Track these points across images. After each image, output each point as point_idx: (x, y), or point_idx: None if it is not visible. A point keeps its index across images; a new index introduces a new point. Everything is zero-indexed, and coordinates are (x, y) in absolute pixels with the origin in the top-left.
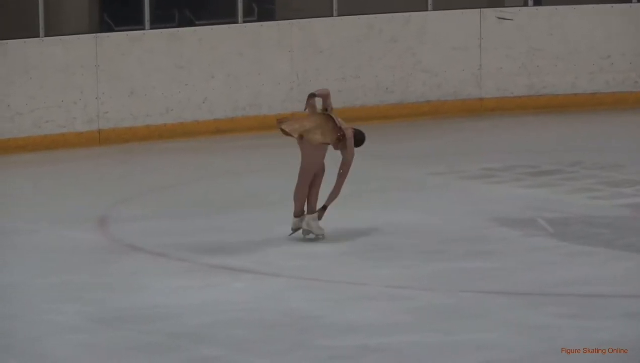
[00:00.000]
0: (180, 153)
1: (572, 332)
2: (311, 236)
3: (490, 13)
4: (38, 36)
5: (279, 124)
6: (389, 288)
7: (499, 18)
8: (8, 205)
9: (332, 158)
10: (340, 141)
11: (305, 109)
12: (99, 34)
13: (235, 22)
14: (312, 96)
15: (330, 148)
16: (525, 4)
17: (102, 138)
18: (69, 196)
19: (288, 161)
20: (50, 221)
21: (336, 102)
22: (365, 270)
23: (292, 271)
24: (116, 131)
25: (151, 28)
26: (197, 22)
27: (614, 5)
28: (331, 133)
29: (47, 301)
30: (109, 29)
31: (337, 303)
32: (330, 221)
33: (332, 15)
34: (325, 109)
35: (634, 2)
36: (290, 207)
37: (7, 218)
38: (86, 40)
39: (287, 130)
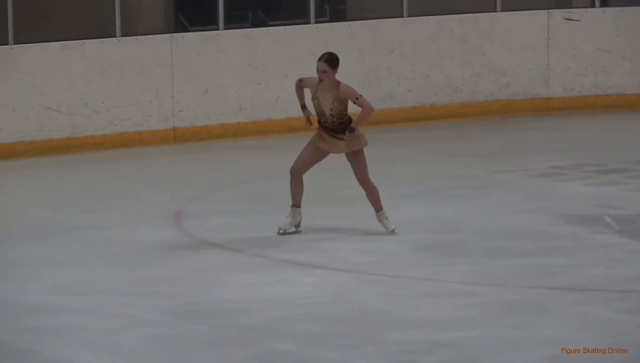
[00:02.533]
0: (254, 150)
1: (637, 327)
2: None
3: (558, 14)
4: (115, 36)
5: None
6: (457, 284)
7: (566, 19)
8: (85, 201)
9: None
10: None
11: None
12: (174, 34)
13: (308, 22)
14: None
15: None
16: (592, 5)
17: (177, 136)
18: (145, 193)
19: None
20: (127, 217)
21: (406, 102)
22: (434, 267)
23: (363, 267)
24: (191, 130)
25: (225, 28)
26: (270, 23)
27: None
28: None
29: (124, 295)
30: (184, 29)
31: (407, 299)
32: (400, 218)
33: (402, 16)
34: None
35: None
36: (361, 204)
37: (85, 214)
38: (162, 40)
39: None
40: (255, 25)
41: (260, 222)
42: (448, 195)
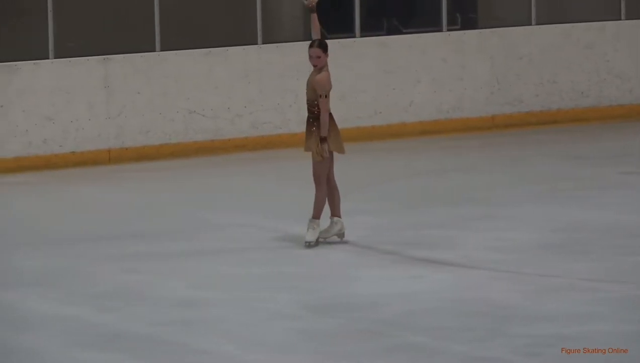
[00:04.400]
0: (388, 152)
1: None
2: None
3: None
4: (256, 43)
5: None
6: (583, 281)
7: None
8: (227, 200)
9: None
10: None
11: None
12: None
13: (440, 30)
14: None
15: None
16: None
17: None
18: (284, 192)
19: (490, 161)
20: (267, 215)
21: (533, 106)
22: (559, 264)
23: (491, 264)
24: None
25: (361, 36)
26: (404, 30)
27: None
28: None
29: (263, 290)
30: (322, 37)
31: (532, 294)
32: (528, 217)
33: (531, 24)
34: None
35: None
36: (487, 204)
37: (228, 212)
38: (301, 47)
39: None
40: (390, 32)
41: (393, 221)
42: (574, 195)
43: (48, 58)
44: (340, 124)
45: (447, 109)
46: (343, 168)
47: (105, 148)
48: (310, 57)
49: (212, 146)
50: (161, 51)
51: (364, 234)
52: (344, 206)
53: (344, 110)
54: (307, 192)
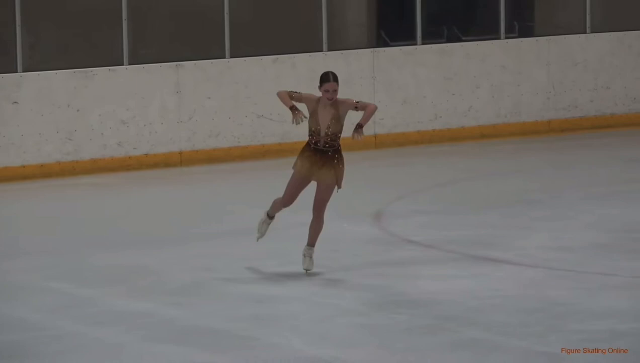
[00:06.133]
0: (448, 156)
1: None
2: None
3: None
4: (322, 50)
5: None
6: (637, 279)
7: None
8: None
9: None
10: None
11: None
12: (376, 49)
13: (499, 38)
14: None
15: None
16: None
17: (378, 142)
18: (349, 193)
19: (547, 164)
20: (332, 215)
21: (588, 111)
22: (615, 262)
23: (549, 262)
24: (390, 136)
25: (423, 43)
26: (463, 38)
27: None
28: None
29: (328, 286)
30: (385, 44)
31: (589, 292)
32: (585, 218)
33: (585, 32)
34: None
35: None
36: (546, 206)
37: (293, 213)
38: (365, 54)
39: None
40: (450, 40)
41: (454, 221)
42: (629, 197)
43: (122, 64)
44: (401, 128)
45: (505, 114)
46: (403, 170)
47: (177, 150)
48: (327, 91)
49: (279, 149)
50: (230, 58)
51: (426, 233)
52: (403, 208)
53: (405, 114)
54: (370, 194)
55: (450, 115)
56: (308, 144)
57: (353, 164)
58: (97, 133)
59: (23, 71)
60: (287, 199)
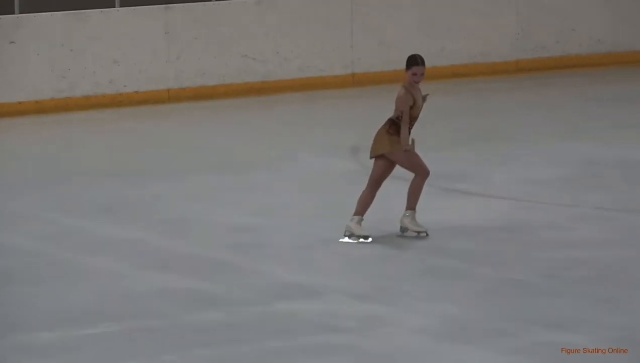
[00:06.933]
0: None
1: None
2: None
3: None
4: None
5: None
6: (599, 210)
7: None
8: (273, 137)
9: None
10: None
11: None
12: None
13: None
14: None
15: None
16: None
17: (355, 81)
18: (327, 129)
19: (515, 103)
20: (311, 149)
21: (554, 52)
22: (579, 195)
23: (515, 194)
24: (367, 75)
25: None
26: None
27: None
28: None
29: (309, 216)
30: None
31: (554, 222)
32: (551, 154)
33: None
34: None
35: None
36: (515, 141)
37: (276, 148)
38: (343, 1)
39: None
40: None
41: (426, 156)
42: (592, 134)
43: (114, 7)
44: (379, 68)
45: (476, 55)
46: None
47: (165, 88)
48: (416, 74)
49: (262, 87)
50: (216, 0)
51: (399, 168)
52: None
53: (382, 55)
54: (347, 130)
55: (424, 55)
56: (395, 124)
57: (331, 100)
58: (90, 72)
59: (20, 13)
60: (426, 168)
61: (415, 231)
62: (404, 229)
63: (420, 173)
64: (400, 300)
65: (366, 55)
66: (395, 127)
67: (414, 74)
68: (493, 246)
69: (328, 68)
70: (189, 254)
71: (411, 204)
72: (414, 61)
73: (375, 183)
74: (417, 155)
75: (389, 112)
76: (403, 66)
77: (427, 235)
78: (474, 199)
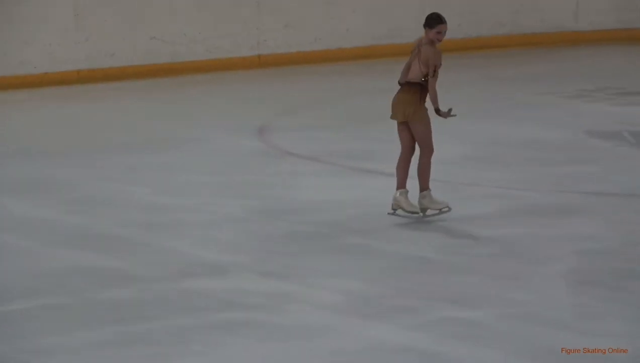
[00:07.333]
0: (328, 75)
1: None
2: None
3: None
4: None
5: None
6: (499, 189)
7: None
8: (182, 117)
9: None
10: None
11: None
12: None
13: None
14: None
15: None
16: None
17: (262, 62)
18: (235, 110)
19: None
20: (220, 130)
21: (456, 34)
22: (482, 173)
23: None
24: (273, 56)
25: None
26: None
27: None
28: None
29: (218, 196)
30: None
31: (459, 200)
32: (454, 132)
33: None
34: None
35: None
36: None
37: (184, 128)
38: None
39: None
40: None
41: (334, 135)
42: (495, 113)
43: None
44: (284, 49)
45: (380, 36)
46: (286, 88)
47: (74, 69)
48: (440, 33)
49: (170, 68)
50: None
51: (308, 147)
52: (285, 123)
53: (289, 37)
54: (254, 111)
55: (327, 37)
56: (424, 89)
57: (238, 82)
58: (0, 53)
59: None
60: (432, 146)
61: (437, 209)
62: (424, 210)
63: (428, 150)
64: (306, 276)
65: (272, 37)
66: (425, 93)
67: (439, 32)
68: (397, 224)
69: (235, 50)
70: (99, 233)
71: (424, 185)
72: (439, 19)
73: (410, 149)
74: (430, 133)
75: (296, 93)
76: (308, 47)
77: (449, 209)
78: (382, 178)
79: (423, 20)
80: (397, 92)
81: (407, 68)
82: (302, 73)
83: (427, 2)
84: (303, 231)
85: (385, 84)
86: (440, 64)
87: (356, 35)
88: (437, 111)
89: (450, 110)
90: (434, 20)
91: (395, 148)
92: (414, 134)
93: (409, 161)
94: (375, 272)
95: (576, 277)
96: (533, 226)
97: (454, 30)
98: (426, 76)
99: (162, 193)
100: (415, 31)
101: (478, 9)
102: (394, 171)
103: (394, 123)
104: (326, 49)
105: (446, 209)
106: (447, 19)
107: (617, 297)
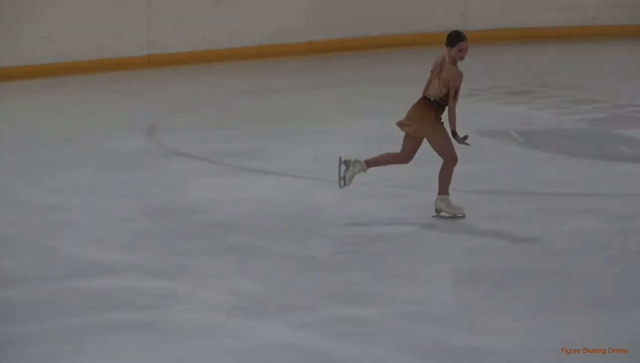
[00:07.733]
0: (218, 74)
1: (541, 223)
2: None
3: None
4: None
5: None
6: (389, 188)
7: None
8: (72, 117)
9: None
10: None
11: None
12: None
13: None
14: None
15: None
16: None
17: (151, 61)
18: (125, 110)
19: (312, 82)
20: (109, 129)
21: (347, 33)
22: (370, 172)
23: (310, 173)
24: (163, 56)
25: None
26: None
27: None
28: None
29: (108, 196)
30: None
31: (347, 199)
32: (345, 131)
33: None
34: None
35: None
36: (312, 120)
37: (74, 128)
38: None
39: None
40: None
41: (223, 134)
42: (385, 112)
43: None
44: (175, 49)
45: (269, 36)
46: (175, 88)
47: None
48: (462, 50)
49: (59, 68)
50: None
51: (198, 146)
52: (174, 122)
53: (180, 37)
54: (144, 110)
55: (218, 37)
56: (441, 107)
57: (127, 81)
58: None
59: None
60: (456, 155)
61: (451, 214)
62: (438, 211)
63: (452, 160)
64: (195, 276)
65: (162, 36)
66: (441, 111)
67: (460, 50)
68: (286, 223)
69: (124, 49)
70: None
71: (443, 190)
72: (459, 37)
73: (408, 158)
74: (451, 143)
75: (186, 93)
76: (197, 47)
77: (463, 215)
78: (270, 178)
79: (312, 19)
80: (416, 104)
81: (428, 83)
82: (192, 73)
83: (316, 2)
84: (193, 231)
85: (274, 84)
86: (460, 86)
87: (245, 35)
88: (454, 134)
89: (466, 137)
90: (454, 38)
91: (282, 147)
92: (436, 151)
93: (394, 160)
94: (264, 272)
95: (462, 275)
96: (420, 225)
97: (344, 30)
98: (445, 96)
99: (50, 192)
100: (305, 30)
101: (368, 8)
102: (282, 170)
103: (279, 125)
104: (216, 48)
105: (460, 214)
106: (339, 19)
107: (501, 294)
